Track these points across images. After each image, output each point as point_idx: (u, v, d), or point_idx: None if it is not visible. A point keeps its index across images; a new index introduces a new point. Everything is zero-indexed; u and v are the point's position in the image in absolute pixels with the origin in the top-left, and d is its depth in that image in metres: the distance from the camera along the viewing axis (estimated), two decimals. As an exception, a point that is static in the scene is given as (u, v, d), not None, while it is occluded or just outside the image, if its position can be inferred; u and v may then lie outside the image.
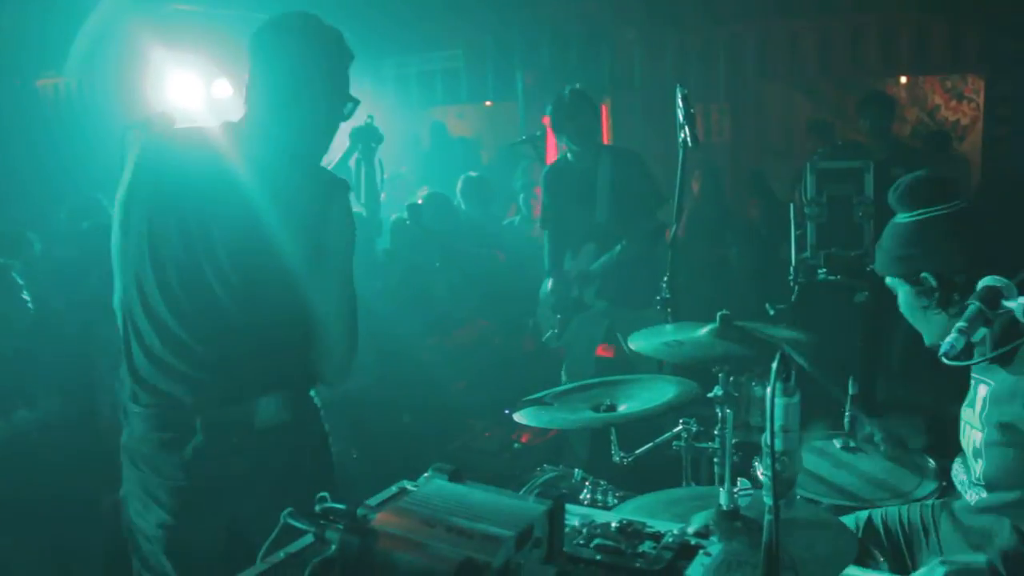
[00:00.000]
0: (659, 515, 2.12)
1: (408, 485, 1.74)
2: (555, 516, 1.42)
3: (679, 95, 3.29)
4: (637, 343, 2.94)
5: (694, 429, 2.89)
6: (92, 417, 4.11)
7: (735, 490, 1.92)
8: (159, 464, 2.28)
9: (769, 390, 1.52)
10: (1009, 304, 1.83)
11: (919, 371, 2.68)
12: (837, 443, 2.95)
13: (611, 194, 4.80)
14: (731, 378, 2.72)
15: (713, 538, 1.67)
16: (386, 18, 8.48)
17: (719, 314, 2.84)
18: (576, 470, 3.05)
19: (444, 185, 7.07)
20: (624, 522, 1.67)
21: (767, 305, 4.06)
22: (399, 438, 5.00)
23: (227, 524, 2.30)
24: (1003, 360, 2.14)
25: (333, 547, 1.36)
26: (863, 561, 2.25)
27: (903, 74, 9.28)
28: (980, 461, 2.25)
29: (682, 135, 3.29)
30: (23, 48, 7.66)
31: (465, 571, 1.22)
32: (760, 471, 2.13)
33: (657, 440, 3.00)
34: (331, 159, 4.48)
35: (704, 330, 2.84)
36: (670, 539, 1.62)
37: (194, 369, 2.25)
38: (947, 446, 2.54)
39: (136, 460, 2.32)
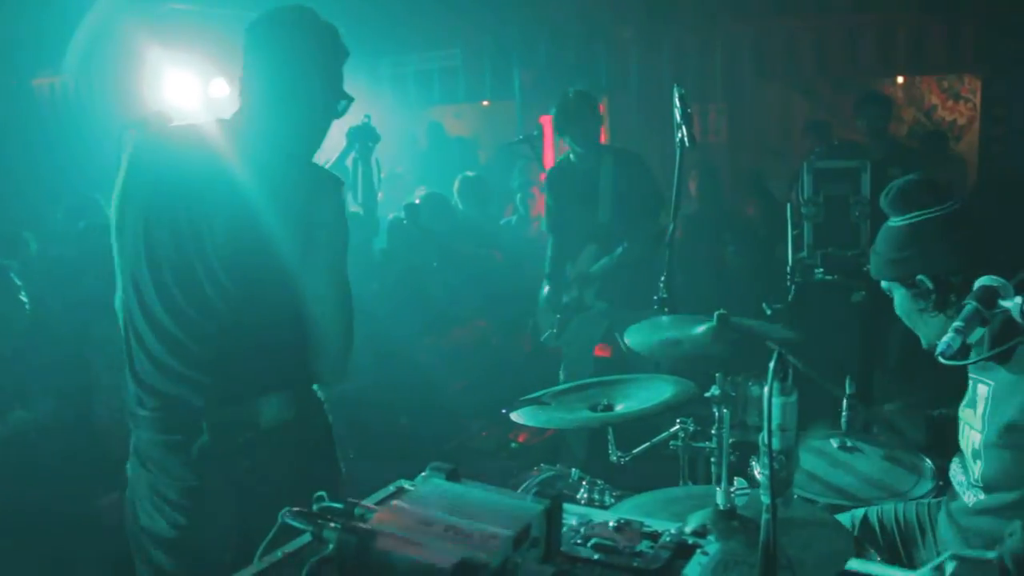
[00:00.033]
0: (656, 514, 2.12)
1: (406, 484, 1.74)
2: (553, 515, 1.42)
3: (676, 95, 3.29)
4: (633, 338, 2.94)
5: (691, 429, 2.89)
6: (88, 417, 4.10)
7: (732, 489, 1.92)
8: (168, 466, 2.29)
9: (767, 389, 1.52)
10: (1006, 303, 1.83)
11: (916, 371, 2.68)
12: (834, 442, 2.95)
13: (614, 195, 4.82)
14: (728, 378, 2.72)
15: (710, 537, 1.67)
16: (383, 17, 8.47)
17: (716, 313, 2.84)
18: (573, 469, 3.05)
19: (441, 185, 7.07)
20: (621, 521, 1.67)
21: (764, 305, 4.07)
22: (396, 438, 5.00)
23: (237, 523, 2.30)
24: (1001, 359, 2.14)
25: (331, 546, 1.36)
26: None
27: (900, 74, 9.28)
28: (979, 462, 2.26)
29: (679, 135, 3.29)
30: (19, 47, 7.65)
31: (462, 570, 1.22)
32: (757, 470, 2.14)
33: (654, 440, 3.01)
34: (328, 158, 4.49)
35: (701, 328, 2.84)
36: (667, 538, 1.62)
37: (191, 369, 2.25)
38: (945, 445, 2.54)
39: (145, 462, 2.32)
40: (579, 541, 1.61)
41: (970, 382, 2.33)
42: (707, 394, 2.73)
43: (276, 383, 2.31)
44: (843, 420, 2.94)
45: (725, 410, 2.25)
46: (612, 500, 2.76)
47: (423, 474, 1.58)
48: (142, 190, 2.27)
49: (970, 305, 1.86)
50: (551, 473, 3.08)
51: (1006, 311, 1.84)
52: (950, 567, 2.01)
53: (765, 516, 1.54)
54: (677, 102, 3.29)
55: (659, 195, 4.85)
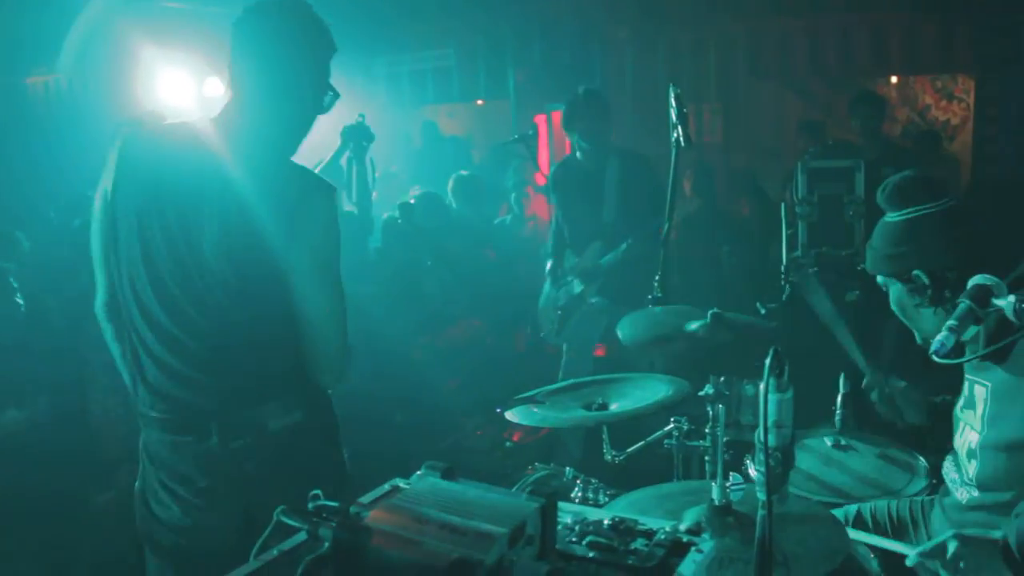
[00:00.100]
0: (651, 510, 2.13)
1: (401, 483, 1.74)
2: (548, 513, 1.42)
3: (672, 95, 3.30)
4: (625, 330, 2.95)
5: (685, 427, 2.90)
6: (83, 416, 4.09)
7: (727, 485, 1.92)
8: (176, 465, 2.29)
9: (763, 386, 1.53)
10: (999, 302, 1.84)
11: (911, 369, 2.68)
12: (828, 441, 2.96)
13: (619, 195, 4.84)
14: (722, 377, 2.73)
15: (705, 535, 1.67)
16: (378, 17, 8.47)
17: (710, 312, 2.85)
18: (567, 468, 3.05)
19: (436, 184, 7.06)
20: (616, 519, 1.67)
21: (758, 304, 4.08)
22: (391, 436, 5.00)
23: (245, 522, 2.30)
24: (998, 359, 2.14)
25: (326, 544, 1.36)
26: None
27: (894, 74, 9.31)
28: (974, 462, 2.26)
29: (675, 135, 3.30)
30: (13, 46, 7.63)
31: (458, 568, 1.22)
32: (752, 468, 2.14)
33: (648, 438, 3.01)
34: (323, 158, 4.48)
35: (695, 325, 2.85)
36: (662, 536, 1.62)
37: (193, 369, 2.24)
38: (944, 431, 2.54)
39: (154, 460, 2.33)
40: (574, 539, 1.61)
41: (966, 383, 2.33)
42: (701, 393, 2.74)
43: (281, 383, 2.31)
44: (837, 418, 2.95)
45: (720, 406, 2.25)
46: (606, 499, 2.76)
47: (418, 473, 1.58)
48: (134, 188, 2.25)
49: (964, 304, 1.87)
50: (546, 472, 3.08)
51: (999, 310, 1.84)
52: (952, 546, 2.02)
53: (761, 512, 1.54)
54: (673, 102, 3.29)
55: (664, 197, 4.87)
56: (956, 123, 9.54)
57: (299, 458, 2.31)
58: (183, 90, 6.55)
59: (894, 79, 9.58)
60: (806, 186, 4.71)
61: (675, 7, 8.34)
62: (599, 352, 5.30)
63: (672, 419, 2.91)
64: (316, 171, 2.47)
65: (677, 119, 3.28)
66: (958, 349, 1.89)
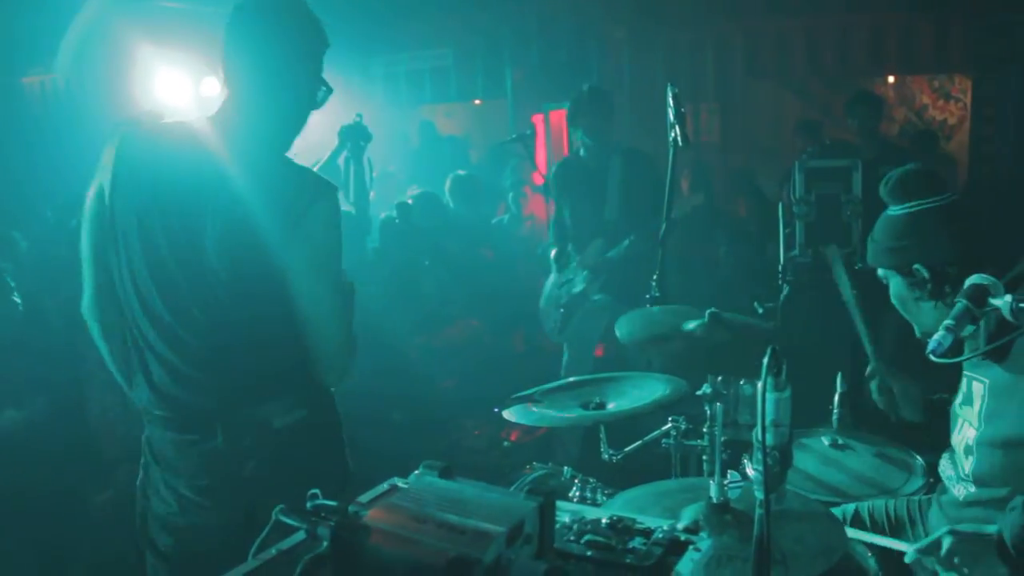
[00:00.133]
0: (649, 508, 2.13)
1: (399, 482, 1.74)
2: (546, 512, 1.43)
3: (670, 94, 3.30)
4: (623, 329, 2.95)
5: (683, 427, 2.90)
6: (81, 415, 4.09)
7: (725, 482, 1.93)
8: (180, 464, 2.30)
9: (760, 385, 1.53)
10: (996, 302, 1.85)
11: (908, 368, 2.68)
12: (825, 440, 2.97)
13: (622, 192, 4.84)
14: (719, 376, 2.73)
15: (703, 533, 1.67)
16: (375, 17, 8.46)
17: (708, 312, 2.85)
18: (565, 468, 3.05)
19: (433, 183, 7.06)
20: (614, 518, 1.67)
21: (755, 303, 4.08)
22: (389, 436, 5.00)
23: (247, 521, 2.30)
24: (997, 356, 2.15)
25: (325, 544, 1.37)
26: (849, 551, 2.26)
27: (891, 74, 9.31)
28: (971, 458, 2.27)
29: (672, 134, 3.30)
30: (10, 45, 7.61)
31: (456, 567, 1.23)
32: (750, 468, 2.15)
33: (646, 438, 3.01)
34: (320, 158, 4.48)
35: (693, 324, 2.85)
36: (660, 535, 1.62)
37: (190, 366, 2.24)
38: (940, 427, 2.54)
39: (158, 458, 2.34)
40: (572, 538, 1.61)
41: (964, 379, 2.34)
42: (699, 392, 2.74)
43: (284, 381, 2.31)
44: (834, 417, 2.95)
45: (718, 405, 2.25)
46: (604, 498, 2.76)
47: (416, 472, 1.58)
48: (133, 188, 2.25)
49: (960, 303, 1.87)
50: (544, 471, 3.08)
51: (996, 309, 1.85)
52: (947, 542, 2.02)
53: (759, 511, 1.54)
54: (671, 101, 3.29)
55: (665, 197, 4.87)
56: (953, 123, 9.54)
57: (302, 457, 2.32)
58: (180, 90, 6.53)
59: (891, 79, 9.58)
60: (803, 186, 4.71)
61: (672, 7, 8.34)
62: (597, 352, 5.31)
63: (670, 418, 2.91)
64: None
65: (675, 119, 3.28)
66: (955, 348, 1.89)
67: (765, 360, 1.53)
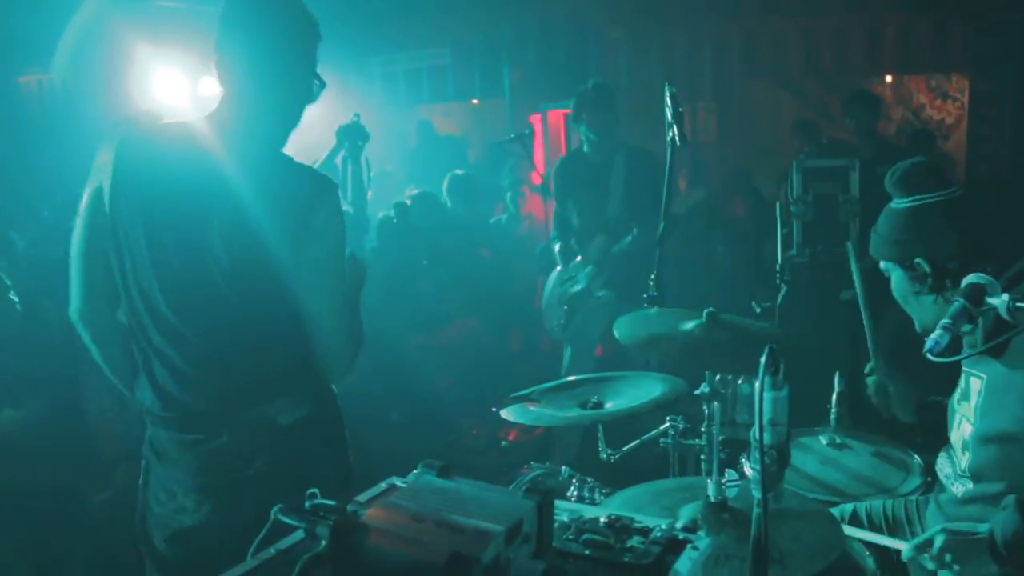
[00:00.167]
0: (647, 507, 2.13)
1: (397, 481, 1.74)
2: (544, 511, 1.43)
3: (667, 94, 3.30)
4: (621, 329, 2.95)
5: (681, 426, 2.90)
6: (79, 415, 4.09)
7: (723, 481, 1.93)
8: (183, 463, 2.30)
9: (758, 384, 1.53)
10: (993, 301, 1.85)
11: (906, 367, 2.68)
12: (823, 439, 2.97)
13: (624, 190, 4.84)
14: (717, 376, 2.74)
15: (701, 532, 1.67)
16: (373, 16, 8.47)
17: (706, 311, 2.85)
18: (563, 467, 3.05)
19: (431, 183, 7.07)
20: (612, 517, 1.67)
21: (753, 303, 4.08)
22: (387, 435, 5.00)
23: (251, 520, 2.30)
24: (995, 352, 2.16)
25: (324, 543, 1.37)
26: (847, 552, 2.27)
27: (888, 73, 9.32)
28: (967, 454, 2.28)
29: (670, 134, 3.30)
30: (7, 44, 7.61)
31: (455, 565, 1.23)
32: (748, 467, 2.15)
33: (644, 437, 3.02)
34: (317, 157, 4.47)
35: (691, 324, 2.85)
36: (658, 534, 1.62)
37: (191, 366, 2.25)
38: (934, 429, 2.54)
39: (161, 457, 2.34)
40: (570, 537, 1.61)
41: (962, 375, 2.35)
42: (696, 391, 2.75)
43: (289, 379, 2.31)
44: (832, 417, 2.96)
45: (716, 404, 2.25)
46: (602, 498, 2.77)
47: (414, 471, 1.58)
48: (134, 188, 2.24)
49: (958, 302, 1.88)
50: (542, 470, 3.08)
51: (993, 308, 1.85)
52: (939, 540, 2.03)
53: (757, 510, 1.54)
54: (668, 101, 3.29)
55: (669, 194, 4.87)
56: (950, 122, 9.55)
57: (305, 455, 2.32)
58: (178, 89, 6.52)
59: (889, 78, 9.59)
60: (801, 185, 4.71)
61: (670, 7, 8.34)
62: (596, 351, 5.31)
63: (668, 418, 2.91)
64: (313, 171, 2.47)
65: (672, 118, 3.28)
66: (953, 347, 1.89)
67: (763, 359, 1.53)
